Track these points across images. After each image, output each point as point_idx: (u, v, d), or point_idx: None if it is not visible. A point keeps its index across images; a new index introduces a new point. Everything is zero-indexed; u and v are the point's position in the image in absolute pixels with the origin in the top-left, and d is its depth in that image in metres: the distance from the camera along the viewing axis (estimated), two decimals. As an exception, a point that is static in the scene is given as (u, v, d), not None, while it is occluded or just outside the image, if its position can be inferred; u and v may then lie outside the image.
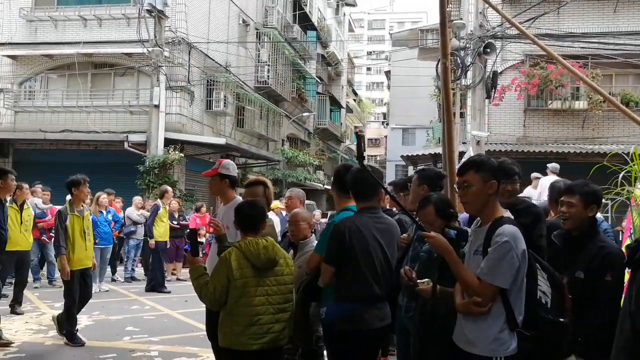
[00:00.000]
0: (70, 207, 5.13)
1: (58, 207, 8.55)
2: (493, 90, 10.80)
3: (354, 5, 35.65)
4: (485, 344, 2.09)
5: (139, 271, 9.66)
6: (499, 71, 11.50)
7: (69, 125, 14.15)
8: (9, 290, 6.66)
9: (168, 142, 12.98)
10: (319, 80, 26.72)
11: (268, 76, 18.30)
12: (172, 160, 12.59)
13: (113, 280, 9.09)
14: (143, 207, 9.65)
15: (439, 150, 9.88)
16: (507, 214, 2.23)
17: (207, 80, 15.16)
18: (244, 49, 17.69)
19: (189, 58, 14.02)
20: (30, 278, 7.47)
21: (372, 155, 46.85)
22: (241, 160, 17.41)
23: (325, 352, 3.09)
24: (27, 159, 13.91)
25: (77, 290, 5.15)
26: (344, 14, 34.63)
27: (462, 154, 8.23)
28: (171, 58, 13.24)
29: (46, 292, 7.81)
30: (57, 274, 8.38)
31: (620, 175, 3.85)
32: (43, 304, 6.92)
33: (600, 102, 11.23)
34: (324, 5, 29.86)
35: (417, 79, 25.10)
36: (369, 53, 47.54)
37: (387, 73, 37.98)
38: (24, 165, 12.94)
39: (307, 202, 5.73)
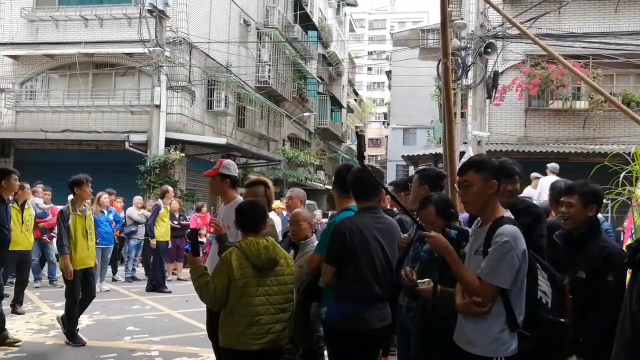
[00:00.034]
0: (72, 207, 5.13)
1: (59, 207, 8.60)
2: (494, 90, 10.79)
3: (354, 5, 35.66)
4: (486, 344, 2.09)
5: (140, 271, 9.67)
6: (499, 71, 11.50)
7: (70, 125, 14.17)
8: (9, 290, 6.66)
9: (169, 142, 12.99)
10: (319, 80, 26.72)
11: (269, 76, 18.31)
12: (173, 160, 12.60)
13: (114, 280, 9.10)
14: (144, 207, 9.65)
15: (440, 150, 9.88)
16: (508, 213, 2.23)
17: (208, 80, 15.17)
18: (245, 49, 17.70)
19: (190, 58, 14.02)
20: (31, 278, 7.48)
21: (372, 155, 46.85)
22: (242, 160, 17.42)
23: (325, 352, 3.09)
24: (28, 158, 13.92)
25: (79, 290, 5.15)
26: (345, 14, 34.64)
27: (462, 154, 8.22)
28: (172, 58, 13.25)
29: (47, 291, 7.82)
30: (58, 274, 8.40)
31: (621, 176, 3.84)
32: (44, 304, 6.92)
33: (602, 102, 11.22)
34: (325, 5, 29.86)
35: (418, 78, 25.09)
36: (370, 53, 47.53)
37: (388, 73, 37.98)
38: (25, 165, 12.94)
39: (307, 202, 5.72)
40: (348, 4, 34.13)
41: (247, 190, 3.73)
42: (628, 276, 2.34)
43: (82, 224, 5.12)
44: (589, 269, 2.54)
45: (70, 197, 5.36)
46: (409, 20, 48.86)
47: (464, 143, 11.23)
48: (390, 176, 30.83)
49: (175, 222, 9.24)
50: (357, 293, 2.71)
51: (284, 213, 8.02)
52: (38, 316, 6.23)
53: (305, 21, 23.30)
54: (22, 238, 6.37)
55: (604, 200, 2.98)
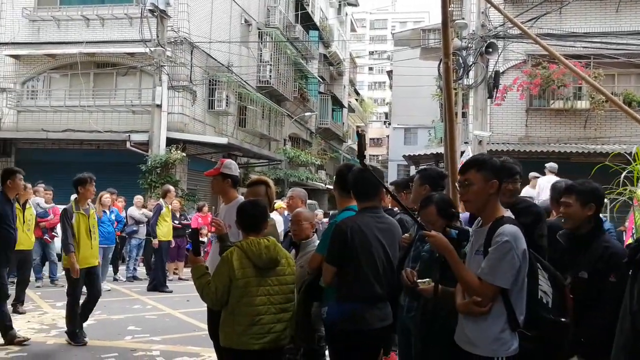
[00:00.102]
0: (76, 206, 5.14)
1: (60, 207, 8.62)
2: (495, 90, 10.78)
3: (356, 5, 35.62)
4: (487, 344, 2.09)
5: (141, 270, 9.68)
6: (501, 71, 11.49)
7: (72, 124, 14.19)
8: (11, 290, 6.65)
9: (170, 141, 12.99)
10: (321, 80, 26.71)
11: (270, 76, 18.31)
12: (174, 160, 12.60)
13: (115, 279, 9.11)
14: (145, 207, 9.67)
15: (441, 150, 9.88)
16: (508, 213, 2.23)
17: (209, 80, 15.18)
18: (246, 49, 17.70)
19: (191, 58, 14.04)
20: (32, 277, 7.50)
21: (374, 155, 46.84)
22: (243, 159, 17.43)
23: (327, 352, 3.09)
24: (30, 158, 13.94)
25: (81, 290, 5.16)
26: (346, 14, 34.62)
27: (461, 153, 8.21)
28: (173, 58, 13.27)
29: (48, 291, 7.83)
30: (59, 273, 8.42)
31: (622, 175, 3.84)
32: (45, 303, 6.94)
33: (603, 102, 11.21)
34: (326, 5, 29.85)
35: (419, 78, 25.08)
36: (371, 53, 47.50)
37: (389, 73, 37.96)
38: (26, 164, 12.87)
39: (309, 201, 5.71)
40: (349, 4, 34.10)
41: (248, 190, 3.73)
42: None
43: (86, 223, 5.13)
44: (592, 269, 2.53)
45: (74, 196, 5.38)
46: (410, 20, 48.85)
47: (465, 143, 11.23)
48: (392, 176, 30.82)
49: (176, 222, 9.25)
50: (358, 293, 2.71)
51: (286, 213, 8.02)
52: (39, 316, 6.24)
53: (307, 21, 23.29)
54: (24, 237, 6.37)
55: (605, 200, 2.97)
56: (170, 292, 8.21)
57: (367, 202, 2.85)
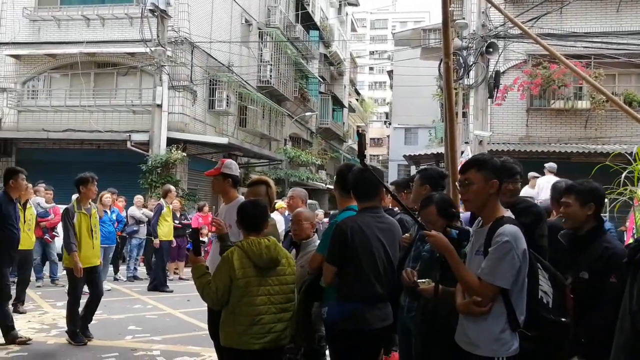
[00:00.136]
0: (77, 205, 5.13)
1: (60, 206, 8.62)
2: (495, 90, 10.79)
3: (356, 4, 35.60)
4: (487, 344, 2.09)
5: (142, 270, 9.68)
6: (501, 71, 11.49)
7: (72, 124, 14.20)
8: (11, 290, 6.67)
9: (170, 141, 12.99)
10: (321, 80, 26.70)
11: (270, 76, 18.31)
12: (175, 160, 12.61)
13: (115, 279, 9.11)
14: (145, 206, 9.67)
15: (442, 149, 9.87)
16: (508, 213, 2.23)
17: (210, 80, 15.18)
18: (247, 49, 17.70)
19: (192, 57, 14.04)
20: (32, 277, 7.50)
21: (374, 155, 46.85)
22: (244, 159, 17.43)
23: (327, 352, 3.09)
24: (30, 158, 13.95)
25: (82, 289, 5.16)
26: (347, 14, 34.61)
27: (460, 153, 8.21)
28: (174, 57, 13.27)
29: (49, 291, 7.84)
30: (60, 273, 8.42)
31: (623, 175, 3.83)
32: (45, 303, 6.94)
33: (603, 101, 11.21)
34: (327, 4, 29.84)
35: (420, 78, 25.08)
36: (372, 53, 47.50)
37: (390, 72, 37.95)
38: (26, 164, 12.80)
39: (309, 201, 5.71)
40: (350, 4, 34.09)
41: (249, 190, 3.74)
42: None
43: (87, 223, 5.13)
44: (592, 269, 2.52)
45: (74, 196, 5.38)
46: (411, 20, 48.86)
47: (466, 143, 11.22)
48: (392, 176, 30.82)
49: (177, 222, 9.25)
50: (359, 293, 2.71)
51: (286, 213, 8.02)
52: (39, 315, 6.25)
53: (307, 21, 23.28)
54: (24, 237, 6.35)
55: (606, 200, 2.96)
56: (171, 291, 8.22)
57: (368, 202, 2.85)
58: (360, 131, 2.78)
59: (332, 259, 2.75)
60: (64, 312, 5.34)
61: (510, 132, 12.44)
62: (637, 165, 3.80)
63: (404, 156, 17.29)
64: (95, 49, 13.94)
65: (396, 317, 2.84)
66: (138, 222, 9.24)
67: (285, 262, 2.86)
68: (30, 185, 6.99)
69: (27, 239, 6.50)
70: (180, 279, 9.57)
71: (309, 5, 24.09)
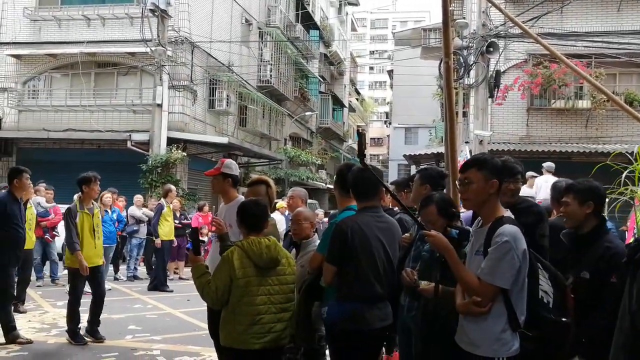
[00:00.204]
0: (80, 205, 5.13)
1: (61, 206, 8.62)
2: (496, 90, 10.78)
3: (356, 4, 35.59)
4: (487, 344, 2.09)
5: (142, 270, 9.69)
6: (501, 70, 11.48)
7: (73, 124, 14.20)
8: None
9: (171, 141, 13.00)
10: (321, 80, 26.70)
11: (270, 75, 18.31)
12: (175, 159, 12.61)
13: (116, 279, 9.12)
14: (145, 206, 9.67)
15: (442, 149, 9.86)
16: (508, 213, 2.23)
17: (210, 80, 15.18)
18: (247, 48, 17.70)
19: (192, 57, 14.04)
20: (33, 277, 7.50)
21: (374, 155, 46.84)
22: (244, 159, 17.43)
23: (327, 352, 3.09)
24: (31, 157, 13.95)
25: (83, 289, 5.16)
26: (347, 13, 34.59)
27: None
28: (174, 57, 13.27)
29: (49, 290, 7.84)
30: (60, 273, 8.43)
31: (624, 175, 3.82)
32: (46, 303, 6.94)
33: (604, 101, 11.20)
34: (327, 4, 29.83)
35: (420, 78, 25.07)
36: (372, 52, 47.50)
37: (390, 72, 37.94)
38: (27, 164, 12.75)
39: (309, 201, 5.71)
40: (350, 3, 34.07)
41: (249, 190, 3.74)
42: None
43: (90, 222, 5.12)
44: (593, 269, 2.52)
45: (76, 196, 5.37)
46: (411, 20, 48.86)
47: (466, 142, 11.22)
48: (392, 175, 30.81)
49: (177, 222, 9.25)
50: (359, 292, 2.71)
51: (287, 212, 8.02)
52: (40, 315, 6.25)
53: (307, 20, 23.28)
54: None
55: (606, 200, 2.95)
56: (171, 291, 8.22)
57: (367, 201, 2.85)
58: (360, 131, 2.78)
59: (332, 259, 2.75)
60: (64, 311, 5.34)
61: (510, 131, 12.43)
62: (638, 164, 3.79)
63: (404, 156, 17.29)
64: (96, 48, 13.95)
65: (396, 317, 2.84)
66: (138, 221, 9.24)
67: (285, 262, 2.86)
68: (30, 184, 6.98)
69: (28, 239, 6.44)
70: (181, 278, 9.57)
71: (309, 4, 24.08)
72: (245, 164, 17.54)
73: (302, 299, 3.01)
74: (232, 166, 3.70)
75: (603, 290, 2.46)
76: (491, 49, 10.14)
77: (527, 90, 11.76)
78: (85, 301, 5.25)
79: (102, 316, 6.15)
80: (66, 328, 5.08)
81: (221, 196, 3.82)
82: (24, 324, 5.69)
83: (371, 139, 47.11)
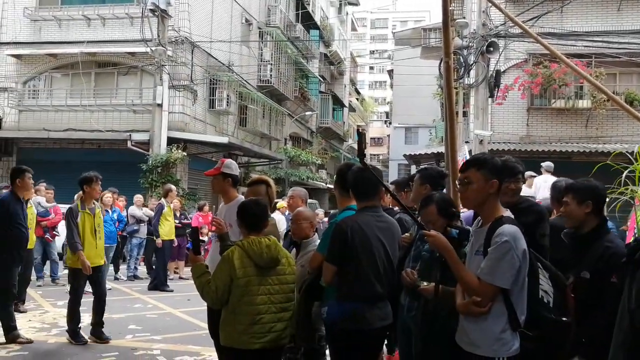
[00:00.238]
0: (81, 205, 5.13)
1: (61, 206, 8.62)
2: (496, 89, 10.78)
3: (356, 4, 35.58)
4: (488, 344, 2.09)
5: (142, 270, 9.69)
6: (502, 70, 11.48)
7: (73, 124, 14.21)
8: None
9: (171, 141, 13.00)
10: (321, 79, 26.70)
11: (271, 75, 18.31)
12: (175, 159, 12.62)
13: (116, 278, 9.12)
14: (145, 206, 9.68)
15: (442, 149, 9.87)
16: (508, 213, 2.23)
17: (210, 79, 15.18)
18: (247, 48, 17.70)
19: (192, 57, 14.04)
20: (33, 276, 7.50)
21: (374, 154, 46.84)
22: (244, 159, 17.43)
23: (327, 352, 3.09)
24: (31, 157, 13.95)
25: (83, 289, 5.16)
26: (347, 13, 34.59)
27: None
28: (174, 57, 13.27)
29: (49, 290, 7.84)
30: (60, 272, 8.43)
31: (624, 175, 3.82)
32: (46, 302, 6.95)
33: (604, 101, 11.19)
34: (327, 4, 29.83)
35: (420, 77, 25.07)
36: (372, 52, 47.49)
37: (390, 72, 37.94)
38: (27, 163, 12.71)
39: (309, 201, 5.71)
40: (350, 3, 34.07)
41: (249, 189, 3.74)
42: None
43: (91, 222, 5.11)
44: (594, 269, 2.51)
45: (76, 195, 5.37)
46: (411, 19, 48.85)
47: (466, 142, 11.22)
48: (392, 175, 30.81)
49: (177, 221, 9.26)
50: (359, 292, 2.71)
51: (287, 212, 8.02)
52: (40, 314, 6.25)
53: (307, 20, 23.28)
54: (25, 237, 6.38)
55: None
56: (171, 291, 8.22)
57: (367, 201, 2.85)
58: (360, 130, 2.78)
59: (332, 259, 2.74)
60: (64, 311, 5.34)
61: (510, 131, 12.43)
62: (638, 164, 3.79)
63: (404, 155, 17.29)
64: (96, 48, 13.95)
65: (396, 317, 2.84)
66: (139, 221, 9.25)
67: (285, 262, 2.86)
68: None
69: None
70: (181, 278, 9.58)
71: (309, 4, 24.07)
72: (245, 164, 17.54)
73: (302, 298, 3.01)
74: (232, 166, 3.70)
75: (603, 290, 2.46)
76: (491, 49, 10.14)
77: (527, 90, 11.75)
78: (86, 301, 5.26)
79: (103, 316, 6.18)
80: (66, 328, 5.08)
81: (221, 196, 3.83)
82: (24, 323, 5.69)
83: (371, 138, 47.09)
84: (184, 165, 13.69)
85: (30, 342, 4.92)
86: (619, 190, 3.81)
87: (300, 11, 22.54)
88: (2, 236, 4.83)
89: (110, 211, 8.27)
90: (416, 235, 2.87)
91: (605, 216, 2.72)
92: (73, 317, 5.01)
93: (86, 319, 5.74)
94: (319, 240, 3.23)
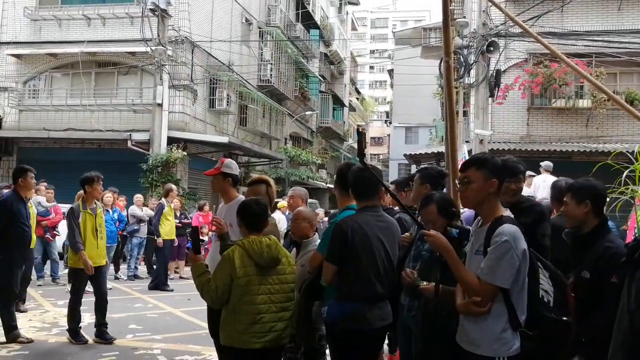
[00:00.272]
0: (82, 205, 5.13)
1: (61, 205, 8.62)
2: (496, 89, 10.77)
3: (357, 3, 35.58)
4: (488, 344, 2.09)
5: (142, 269, 9.69)
6: (502, 70, 11.48)
7: (73, 123, 14.21)
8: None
9: (171, 140, 13.00)
10: (321, 79, 26.69)
11: (271, 75, 18.31)
12: (175, 159, 12.62)
13: (116, 278, 9.12)
14: (145, 205, 9.68)
15: (442, 149, 9.86)
16: (507, 213, 2.22)
17: (210, 79, 15.18)
18: (247, 48, 17.70)
19: (192, 57, 14.04)
20: (33, 276, 7.51)
21: (375, 154, 46.84)
22: (244, 158, 17.43)
23: (327, 351, 3.09)
24: (31, 157, 13.95)
25: (84, 288, 5.16)
26: (347, 13, 34.58)
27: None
28: (174, 57, 13.27)
29: (49, 289, 7.85)
30: (61, 272, 8.44)
31: (624, 174, 3.82)
32: (46, 302, 6.95)
33: (605, 100, 11.19)
34: (327, 3, 29.82)
35: (420, 77, 25.06)
36: (372, 51, 47.48)
37: (390, 71, 37.93)
38: (27, 163, 12.67)
39: (309, 200, 5.72)
40: (350, 3, 34.06)
41: (249, 189, 3.74)
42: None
43: (92, 222, 5.11)
44: (594, 269, 2.51)
45: (77, 195, 5.37)
46: (411, 19, 48.84)
47: (467, 142, 11.21)
48: (393, 175, 30.81)
49: (177, 221, 9.26)
50: (359, 292, 2.71)
51: (287, 212, 8.02)
52: (41, 314, 6.25)
53: (307, 20, 23.27)
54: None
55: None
56: (171, 290, 8.22)
57: (367, 201, 2.85)
58: (360, 130, 2.78)
59: (332, 258, 2.74)
60: (65, 310, 5.34)
61: (511, 131, 12.43)
62: (638, 164, 3.78)
63: (405, 155, 17.29)
64: (96, 48, 13.95)
65: (397, 316, 2.83)
66: (139, 221, 9.25)
67: (285, 262, 2.86)
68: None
69: (29, 238, 6.50)
70: (181, 278, 9.58)
71: (309, 4, 24.07)
72: (245, 164, 17.54)
73: (302, 298, 3.01)
74: (232, 166, 3.70)
75: (603, 290, 2.46)
76: (491, 48, 10.13)
77: (528, 89, 11.75)
78: (86, 300, 5.26)
79: (103, 316, 6.18)
80: (67, 327, 5.08)
81: (221, 196, 3.82)
82: (24, 323, 5.69)
83: (371, 138, 47.10)
84: (184, 164, 13.69)
85: (30, 341, 4.92)
86: (619, 190, 3.81)
87: (300, 11, 22.53)
88: (5, 235, 4.84)
89: (110, 211, 8.27)
90: (416, 235, 2.87)
91: (605, 216, 2.72)
92: (73, 316, 5.01)
93: (87, 318, 5.75)
94: (319, 240, 3.23)
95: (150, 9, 12.36)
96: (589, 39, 11.33)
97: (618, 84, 12.18)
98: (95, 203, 5.26)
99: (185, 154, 13.06)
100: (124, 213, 9.36)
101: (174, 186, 9.51)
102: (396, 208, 4.08)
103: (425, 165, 11.37)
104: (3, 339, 4.90)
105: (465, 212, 3.19)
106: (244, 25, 17.71)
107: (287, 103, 20.99)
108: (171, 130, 13.12)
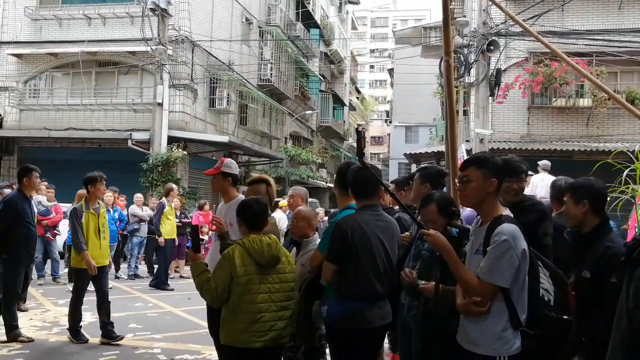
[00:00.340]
0: (85, 205, 5.12)
1: (62, 205, 8.63)
2: (497, 88, 10.77)
3: (357, 3, 35.55)
4: (489, 343, 2.08)
5: (143, 268, 9.70)
6: (502, 69, 11.47)
7: (73, 123, 14.22)
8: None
9: (171, 140, 13.01)
10: (321, 78, 26.68)
11: (271, 74, 18.30)
12: (176, 158, 12.62)
13: (116, 277, 9.13)
14: (145, 205, 9.69)
15: (442, 148, 9.86)
16: (507, 212, 2.22)
17: (211, 79, 15.18)
18: (247, 47, 17.70)
19: (192, 56, 14.04)
20: (34, 275, 7.51)
21: (375, 153, 46.84)
22: (244, 158, 17.43)
23: (327, 350, 3.09)
24: (32, 156, 13.95)
25: (86, 288, 5.16)
26: (347, 12, 34.57)
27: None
28: (175, 56, 13.27)
29: (50, 289, 7.85)
30: (61, 271, 8.45)
31: (625, 174, 3.81)
32: (47, 301, 6.96)
33: (605, 99, 11.18)
34: (327, 3, 29.80)
35: (420, 76, 25.05)
36: (372, 51, 47.45)
37: (390, 71, 37.91)
38: (28, 163, 12.92)
39: (310, 200, 5.71)
40: (350, 2, 34.03)
41: (249, 188, 3.74)
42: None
43: (95, 222, 5.09)
44: (594, 268, 2.51)
45: (77, 195, 5.37)
46: (411, 18, 48.83)
47: (467, 141, 11.21)
48: (393, 174, 30.80)
49: (177, 220, 9.27)
50: (358, 291, 2.71)
51: (287, 211, 8.02)
52: (41, 313, 6.26)
53: (307, 19, 23.26)
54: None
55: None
56: (172, 290, 8.23)
57: (367, 200, 2.85)
58: (359, 129, 2.78)
59: (332, 257, 2.74)
60: (65, 309, 5.35)
61: (511, 130, 12.42)
62: (639, 163, 3.78)
63: (405, 154, 17.27)
64: (97, 47, 13.96)
65: (396, 316, 2.84)
66: (140, 220, 9.26)
67: (285, 261, 2.87)
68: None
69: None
70: (181, 277, 9.59)
71: (309, 3, 24.06)
72: (245, 163, 17.55)
73: (302, 297, 3.01)
74: (232, 165, 3.70)
75: (604, 290, 2.46)
76: (492, 47, 10.12)
77: (528, 88, 11.74)
78: (87, 299, 5.26)
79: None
80: (67, 326, 5.08)
81: (221, 195, 3.83)
82: (25, 322, 5.69)
83: (372, 137, 47.11)
84: (185, 164, 13.69)
85: (31, 340, 4.93)
86: (619, 189, 3.81)
87: (300, 10, 22.52)
88: (11, 235, 4.84)
89: (111, 210, 8.27)
90: (416, 234, 2.86)
91: (606, 215, 2.71)
92: (74, 315, 5.01)
93: (87, 317, 5.76)
94: (319, 239, 3.23)
95: (151, 9, 12.36)
96: (590, 37, 11.32)
97: (619, 83, 12.17)
98: (98, 203, 5.26)
99: (186, 153, 13.07)
100: (125, 212, 9.36)
101: (174, 185, 9.51)
102: (396, 207, 4.08)
103: (425, 165, 11.37)
104: (4, 338, 4.90)
105: (466, 212, 3.19)
106: (244, 24, 17.70)
107: (287, 102, 20.98)
108: (171, 129, 13.12)
